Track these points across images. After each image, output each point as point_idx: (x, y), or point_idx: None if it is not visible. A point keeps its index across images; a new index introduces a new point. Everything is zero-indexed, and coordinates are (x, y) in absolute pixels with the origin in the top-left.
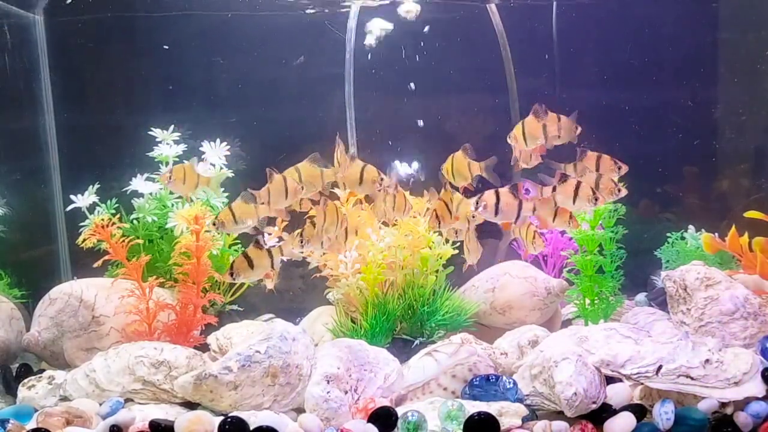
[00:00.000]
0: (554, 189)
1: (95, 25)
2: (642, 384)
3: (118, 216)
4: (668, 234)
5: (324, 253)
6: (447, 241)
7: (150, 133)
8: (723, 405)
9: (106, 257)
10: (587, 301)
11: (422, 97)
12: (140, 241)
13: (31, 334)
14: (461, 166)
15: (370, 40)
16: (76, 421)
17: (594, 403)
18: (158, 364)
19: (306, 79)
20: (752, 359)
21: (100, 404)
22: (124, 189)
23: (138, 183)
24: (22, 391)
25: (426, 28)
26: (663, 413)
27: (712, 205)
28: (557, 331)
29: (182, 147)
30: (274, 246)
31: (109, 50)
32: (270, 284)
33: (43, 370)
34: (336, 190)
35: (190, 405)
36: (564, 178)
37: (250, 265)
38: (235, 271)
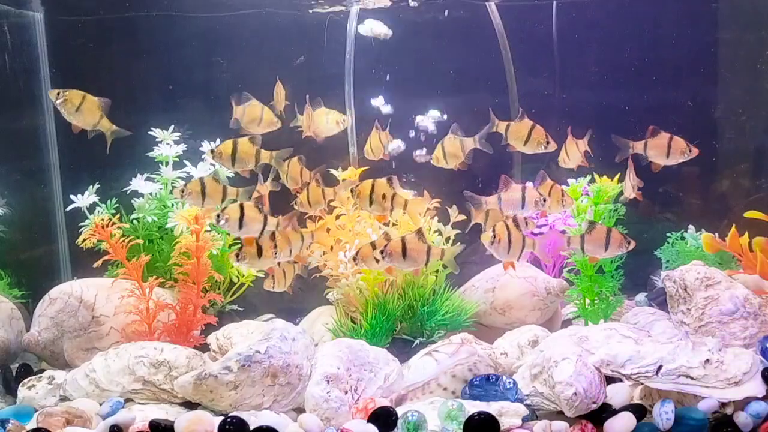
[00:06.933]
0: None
1: (95, 25)
2: (642, 384)
3: (118, 216)
4: (668, 234)
5: (324, 253)
6: (447, 240)
7: (150, 133)
8: (723, 405)
9: (106, 257)
10: (587, 301)
11: (422, 98)
12: (140, 241)
13: (31, 334)
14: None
15: (370, 41)
16: (76, 421)
17: (594, 403)
18: (158, 364)
19: (305, 79)
20: (752, 359)
21: (100, 404)
22: (124, 189)
23: (138, 183)
24: (22, 391)
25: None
26: (663, 413)
27: (712, 205)
28: (557, 331)
29: (182, 147)
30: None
31: (110, 50)
32: (281, 287)
33: (43, 370)
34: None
35: (190, 405)
36: None
37: (259, 253)
38: (242, 257)
